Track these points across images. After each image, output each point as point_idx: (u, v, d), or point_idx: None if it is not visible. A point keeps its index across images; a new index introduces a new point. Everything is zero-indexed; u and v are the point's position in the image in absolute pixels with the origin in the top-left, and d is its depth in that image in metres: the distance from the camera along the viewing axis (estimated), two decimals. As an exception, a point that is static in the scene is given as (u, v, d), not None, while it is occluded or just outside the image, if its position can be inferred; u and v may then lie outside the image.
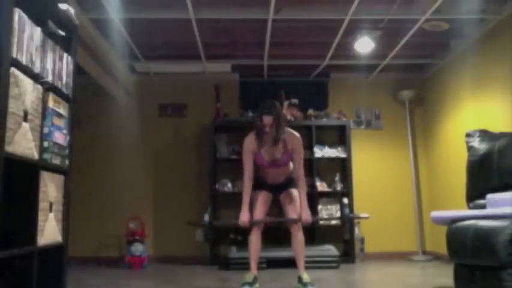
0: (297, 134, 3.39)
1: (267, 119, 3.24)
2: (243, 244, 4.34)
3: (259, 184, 3.47)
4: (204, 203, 5.32)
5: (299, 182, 3.36)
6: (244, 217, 3.34)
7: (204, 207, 5.33)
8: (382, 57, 5.17)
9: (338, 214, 5.40)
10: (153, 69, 5.55)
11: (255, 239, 3.38)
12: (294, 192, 3.41)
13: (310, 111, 5.56)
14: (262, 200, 3.44)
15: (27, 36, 1.94)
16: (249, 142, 3.37)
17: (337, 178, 5.48)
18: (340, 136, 5.59)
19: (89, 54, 4.42)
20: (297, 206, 3.37)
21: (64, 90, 2.35)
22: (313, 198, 5.34)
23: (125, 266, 4.88)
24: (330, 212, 5.40)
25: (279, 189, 3.49)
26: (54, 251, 2.26)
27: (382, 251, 5.48)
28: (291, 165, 3.46)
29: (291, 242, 3.39)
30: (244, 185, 3.37)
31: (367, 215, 4.08)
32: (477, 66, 4.52)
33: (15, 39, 1.83)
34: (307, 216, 3.30)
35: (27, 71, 1.94)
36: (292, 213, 3.38)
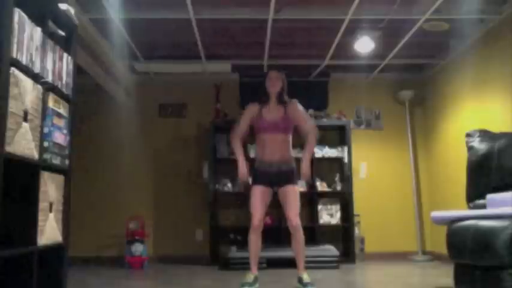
0: (294, 99, 3.54)
1: (274, 73, 3.47)
2: (243, 244, 4.34)
3: (256, 174, 3.44)
4: (204, 203, 5.32)
5: (309, 135, 3.45)
6: (242, 172, 3.38)
7: (204, 207, 5.33)
8: (382, 57, 5.17)
9: (338, 214, 5.40)
10: (153, 69, 5.55)
11: (254, 238, 3.37)
12: (294, 190, 3.38)
13: (310, 111, 5.55)
14: (260, 195, 3.38)
15: (27, 36, 1.94)
16: (251, 106, 3.55)
17: (337, 178, 5.48)
18: (340, 136, 5.59)
19: (89, 54, 4.42)
20: (296, 205, 3.35)
21: (64, 90, 2.34)
22: (313, 198, 5.35)
23: (125, 266, 4.88)
24: (330, 212, 5.40)
25: (277, 181, 3.40)
26: (54, 251, 2.26)
27: (382, 251, 5.48)
28: (291, 152, 3.48)
29: (291, 242, 3.38)
30: (232, 140, 3.51)
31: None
32: (477, 66, 4.52)
33: (15, 39, 1.83)
34: (306, 169, 3.39)
35: (27, 71, 1.94)
36: (290, 211, 3.34)
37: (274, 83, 3.49)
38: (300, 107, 3.53)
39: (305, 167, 3.38)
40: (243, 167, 3.40)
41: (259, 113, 3.48)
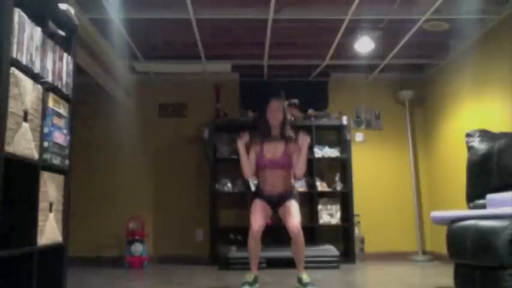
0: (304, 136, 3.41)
1: (275, 104, 3.36)
2: (243, 244, 4.34)
3: (258, 195, 3.46)
4: (204, 203, 5.33)
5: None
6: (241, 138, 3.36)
7: (204, 207, 5.33)
8: (382, 57, 5.17)
9: (338, 214, 5.40)
10: (153, 69, 5.55)
11: (253, 244, 3.31)
12: (293, 203, 3.36)
13: (310, 111, 5.56)
14: (261, 207, 3.38)
15: (27, 36, 1.94)
16: (254, 141, 3.46)
17: (337, 178, 5.48)
18: (340, 136, 5.59)
19: (89, 54, 4.42)
20: (296, 215, 3.30)
21: (64, 90, 2.34)
22: (313, 198, 5.34)
23: (125, 266, 4.88)
24: (330, 212, 5.40)
25: (277, 204, 3.42)
26: (54, 251, 2.26)
27: (382, 251, 5.48)
28: (292, 180, 3.46)
29: (291, 246, 3.35)
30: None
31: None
32: (477, 66, 4.52)
33: (15, 39, 1.83)
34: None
35: (27, 71, 1.94)
36: (291, 219, 3.29)
37: (276, 116, 3.43)
38: (305, 141, 3.34)
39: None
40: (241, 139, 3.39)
41: (260, 149, 3.44)
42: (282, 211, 3.40)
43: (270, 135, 3.47)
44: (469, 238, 2.56)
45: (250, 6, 4.03)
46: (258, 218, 3.30)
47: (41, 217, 2.04)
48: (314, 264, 4.40)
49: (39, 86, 2.04)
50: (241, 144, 3.39)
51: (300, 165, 3.35)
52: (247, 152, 3.44)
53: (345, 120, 5.42)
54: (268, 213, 3.44)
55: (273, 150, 3.42)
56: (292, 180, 3.54)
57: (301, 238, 3.28)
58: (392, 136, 5.81)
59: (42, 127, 2.07)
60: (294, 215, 3.29)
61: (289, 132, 3.49)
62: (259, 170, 3.48)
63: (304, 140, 3.31)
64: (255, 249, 3.34)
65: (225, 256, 4.75)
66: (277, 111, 3.43)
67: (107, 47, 4.67)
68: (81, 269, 4.69)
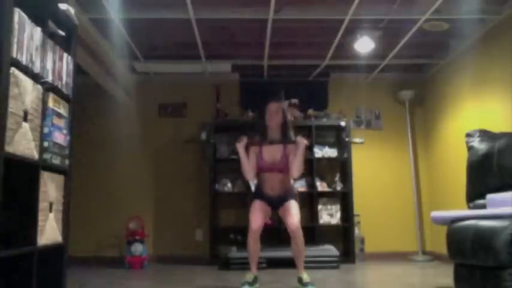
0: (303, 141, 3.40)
1: (274, 106, 3.33)
2: (243, 244, 4.34)
3: (257, 195, 3.46)
4: (204, 203, 5.33)
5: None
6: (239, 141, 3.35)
7: (203, 207, 5.33)
8: (382, 57, 5.17)
9: (338, 214, 5.40)
10: (153, 69, 5.55)
11: (253, 243, 3.32)
12: (292, 203, 3.36)
13: (310, 111, 5.56)
14: (260, 207, 3.38)
15: (27, 36, 1.94)
16: (253, 148, 3.44)
17: (337, 178, 5.48)
18: (340, 136, 5.59)
19: (89, 54, 4.42)
20: (295, 215, 3.30)
21: (64, 90, 2.34)
22: (313, 198, 5.34)
23: (125, 266, 4.88)
24: (330, 212, 5.40)
25: (277, 204, 3.42)
26: (54, 251, 2.26)
27: (382, 251, 5.47)
28: (291, 180, 3.46)
29: (291, 243, 3.36)
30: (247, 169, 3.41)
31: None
32: (477, 66, 4.52)
33: (15, 39, 1.83)
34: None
35: (27, 71, 1.94)
36: (291, 218, 3.29)
37: (274, 118, 3.40)
38: (301, 142, 3.33)
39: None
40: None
41: (259, 152, 3.43)
42: (282, 211, 3.40)
43: (269, 138, 3.45)
44: (469, 238, 2.55)
45: (250, 6, 4.03)
46: (257, 217, 3.30)
47: (41, 217, 2.04)
48: (314, 264, 4.40)
49: (39, 86, 2.04)
50: (240, 147, 3.38)
51: (295, 165, 3.31)
52: (247, 153, 3.43)
53: (344, 121, 5.42)
54: (267, 213, 3.44)
55: (272, 153, 3.40)
56: (292, 181, 3.54)
57: (300, 237, 3.29)
58: (392, 136, 5.81)
59: (42, 127, 2.07)
60: (293, 214, 3.29)
61: (291, 134, 3.45)
62: (258, 172, 3.47)
63: (301, 141, 3.31)
64: (254, 249, 3.34)
65: (225, 256, 4.75)
66: (276, 113, 3.40)
67: (107, 47, 4.67)
68: (81, 269, 4.69)
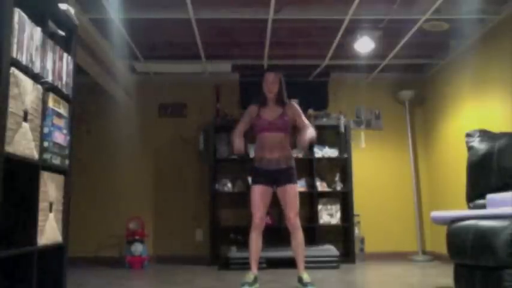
0: (293, 102, 3.57)
1: (271, 76, 3.45)
2: (243, 244, 4.34)
3: (255, 173, 3.44)
4: (204, 203, 5.33)
5: (308, 127, 3.42)
6: (237, 143, 3.38)
7: (203, 207, 5.33)
8: (382, 57, 5.16)
9: (338, 214, 5.40)
10: (153, 69, 5.55)
11: (255, 237, 3.37)
12: (293, 189, 3.38)
13: (310, 111, 5.56)
14: (260, 194, 3.38)
15: (27, 36, 1.94)
16: (251, 106, 3.56)
17: (337, 178, 5.48)
18: (340, 136, 5.58)
19: (89, 54, 4.42)
20: (295, 205, 3.35)
21: (64, 90, 2.35)
22: (313, 198, 5.34)
23: (125, 266, 4.88)
24: (330, 212, 5.40)
25: (276, 179, 3.40)
26: (54, 251, 2.26)
27: (382, 251, 5.48)
28: (289, 143, 3.48)
29: (291, 242, 3.39)
30: (233, 133, 3.49)
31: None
32: (477, 66, 4.52)
33: (15, 39, 1.83)
34: (311, 131, 3.37)
35: (27, 71, 1.94)
36: (290, 211, 3.35)
37: (271, 88, 3.49)
38: (297, 108, 3.56)
39: (303, 135, 3.35)
40: (239, 142, 3.39)
41: (258, 113, 3.51)
42: (281, 194, 3.40)
43: (267, 102, 3.53)
44: (469, 238, 2.55)
45: (250, 6, 4.03)
46: (259, 206, 3.36)
47: (41, 217, 2.04)
48: (314, 264, 4.40)
49: (39, 86, 2.04)
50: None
51: (310, 129, 3.37)
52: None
53: (344, 121, 5.42)
54: (267, 199, 3.42)
55: (271, 113, 3.47)
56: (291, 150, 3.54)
57: (299, 232, 3.35)
58: (393, 136, 5.81)
59: (42, 127, 2.07)
60: (292, 206, 3.34)
61: (286, 99, 3.55)
62: (256, 135, 3.50)
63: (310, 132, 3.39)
64: (256, 243, 3.36)
65: (225, 256, 4.75)
66: (273, 83, 3.48)
67: (107, 47, 4.67)
68: (81, 269, 4.69)
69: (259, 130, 3.46)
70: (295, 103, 3.60)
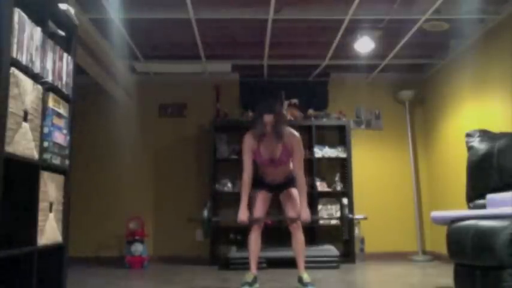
0: (296, 133, 3.39)
1: (268, 118, 3.26)
2: (243, 244, 4.34)
3: (258, 183, 3.47)
4: (204, 202, 5.32)
5: (299, 182, 3.35)
6: (242, 215, 3.32)
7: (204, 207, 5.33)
8: (382, 57, 5.17)
9: (338, 214, 5.40)
10: (153, 69, 5.55)
11: (254, 238, 3.39)
12: (294, 191, 3.41)
13: (310, 111, 5.56)
14: (262, 198, 3.44)
15: (27, 36, 1.94)
16: (249, 140, 3.39)
17: (337, 178, 5.48)
18: (340, 136, 5.59)
19: (89, 54, 4.42)
20: (296, 205, 3.38)
21: (64, 90, 2.34)
22: (313, 198, 5.34)
23: (125, 266, 4.88)
24: (329, 212, 5.40)
25: (278, 189, 3.49)
26: (54, 251, 2.26)
27: (382, 251, 5.47)
28: (291, 165, 3.46)
29: (291, 242, 3.40)
30: (243, 183, 3.36)
31: (365, 215, 4.11)
32: (477, 66, 4.52)
33: (15, 39, 1.83)
34: (306, 215, 3.30)
35: (27, 71, 1.94)
36: (291, 212, 3.40)
37: (268, 128, 3.29)
38: (297, 144, 3.36)
39: (304, 213, 3.31)
40: (243, 214, 3.32)
41: (257, 147, 3.38)
42: (283, 196, 3.47)
43: (265, 135, 3.35)
44: (469, 238, 2.55)
45: (250, 6, 4.03)
46: (259, 208, 3.41)
47: (41, 217, 2.04)
48: (314, 264, 4.40)
49: (39, 86, 2.04)
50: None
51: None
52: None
53: (344, 120, 5.42)
54: (268, 203, 3.48)
55: (270, 148, 3.37)
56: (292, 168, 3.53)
57: (300, 233, 3.36)
58: (392, 136, 5.81)
59: (42, 127, 2.07)
60: (294, 206, 3.37)
61: (283, 129, 3.34)
62: (258, 164, 3.48)
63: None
64: (255, 243, 3.37)
65: (225, 256, 4.75)
66: (270, 124, 3.29)
67: (107, 47, 4.67)
68: (81, 269, 4.69)
69: (260, 163, 3.45)
70: (296, 133, 3.37)
